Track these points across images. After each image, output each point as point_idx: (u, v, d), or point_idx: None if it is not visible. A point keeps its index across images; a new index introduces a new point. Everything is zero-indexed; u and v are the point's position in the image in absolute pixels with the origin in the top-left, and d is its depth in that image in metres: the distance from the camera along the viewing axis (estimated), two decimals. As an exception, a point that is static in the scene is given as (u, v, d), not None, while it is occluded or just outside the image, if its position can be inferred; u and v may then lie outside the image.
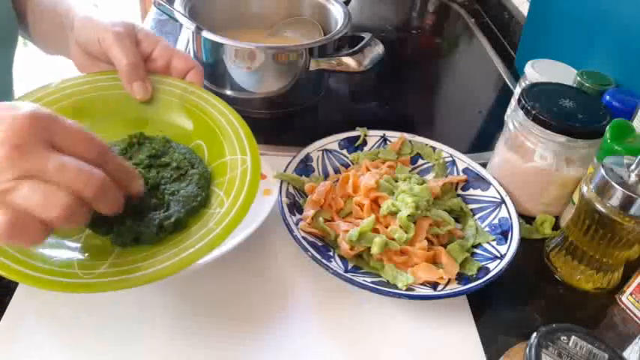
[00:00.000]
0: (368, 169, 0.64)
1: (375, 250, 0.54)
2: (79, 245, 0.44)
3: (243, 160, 0.49)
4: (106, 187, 0.37)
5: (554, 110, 0.60)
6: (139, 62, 0.51)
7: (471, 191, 0.65)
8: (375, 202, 0.59)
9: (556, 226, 0.64)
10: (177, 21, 0.75)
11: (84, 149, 0.36)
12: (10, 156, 0.33)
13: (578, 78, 0.70)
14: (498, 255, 0.56)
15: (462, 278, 0.54)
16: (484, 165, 0.68)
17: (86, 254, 0.43)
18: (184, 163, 0.50)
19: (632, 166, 0.51)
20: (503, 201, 0.62)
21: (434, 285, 0.53)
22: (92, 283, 0.40)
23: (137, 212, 0.45)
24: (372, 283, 0.51)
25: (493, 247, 0.57)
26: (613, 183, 0.50)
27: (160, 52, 0.53)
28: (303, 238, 0.55)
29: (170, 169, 0.50)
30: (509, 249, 0.56)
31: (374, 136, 0.69)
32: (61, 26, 0.58)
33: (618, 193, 0.50)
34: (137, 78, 0.51)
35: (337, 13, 0.83)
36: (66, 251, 0.43)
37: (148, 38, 0.53)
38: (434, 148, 0.68)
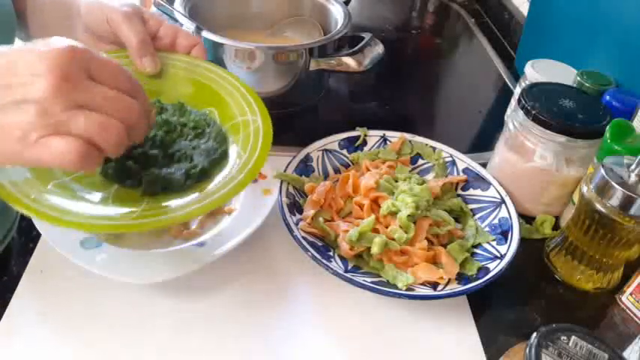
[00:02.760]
0: (368, 169, 0.64)
1: (375, 250, 0.54)
2: (109, 198, 0.46)
3: (254, 120, 0.52)
4: (142, 116, 0.39)
5: (554, 110, 0.60)
6: (147, 39, 0.54)
7: (471, 191, 0.65)
8: (375, 202, 0.59)
9: (556, 226, 0.64)
10: (177, 21, 0.75)
11: (120, 81, 0.38)
12: (59, 87, 0.34)
13: (578, 78, 0.70)
14: (498, 255, 0.56)
15: (462, 278, 0.54)
16: (484, 165, 0.68)
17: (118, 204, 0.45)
18: (201, 123, 0.53)
19: (632, 166, 0.51)
20: (503, 201, 0.62)
21: (434, 285, 0.53)
22: (131, 224, 0.42)
23: (164, 164, 0.48)
24: (372, 283, 0.51)
25: (493, 247, 0.57)
26: (613, 183, 0.50)
27: (166, 30, 0.55)
28: (303, 238, 0.55)
29: (188, 129, 0.52)
30: (509, 249, 0.56)
31: (374, 136, 0.69)
32: (64, 16, 0.59)
33: (618, 193, 0.50)
34: (147, 53, 0.53)
35: (337, 13, 0.83)
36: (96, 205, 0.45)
37: (154, 18, 0.55)
38: (434, 148, 0.68)
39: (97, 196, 0.45)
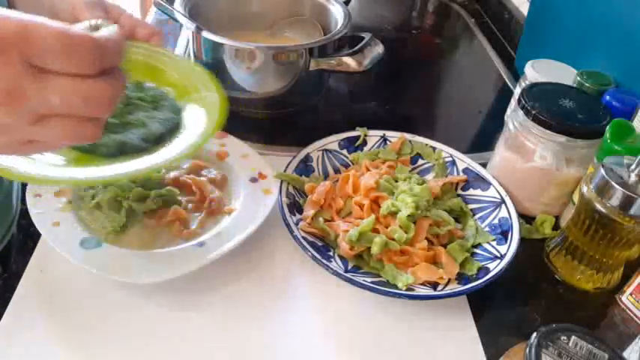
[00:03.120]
0: (368, 169, 0.64)
1: (375, 250, 0.54)
2: (70, 162, 0.46)
3: (210, 95, 0.52)
4: (114, 100, 0.33)
5: (554, 110, 0.60)
6: None
7: (471, 191, 0.65)
8: (375, 202, 0.59)
9: (556, 226, 0.64)
10: (177, 21, 0.75)
11: (75, 60, 0.30)
12: (3, 104, 0.29)
13: (578, 78, 0.70)
14: (498, 255, 0.56)
15: (462, 278, 0.54)
16: (484, 165, 0.68)
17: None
18: (158, 98, 0.53)
19: (632, 166, 0.51)
20: (503, 201, 0.62)
21: (434, 285, 0.53)
22: (88, 179, 0.44)
23: (121, 132, 0.48)
24: (372, 283, 0.51)
25: (493, 247, 0.57)
26: (613, 183, 0.50)
27: (125, 20, 0.55)
28: (303, 238, 0.55)
29: (145, 102, 0.53)
30: (509, 249, 0.56)
31: (374, 136, 0.69)
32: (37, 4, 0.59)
33: (618, 193, 0.50)
34: None
35: (337, 13, 0.83)
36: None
37: (115, 8, 0.55)
38: (434, 148, 0.68)
39: (59, 159, 0.45)
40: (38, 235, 0.55)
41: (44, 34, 0.29)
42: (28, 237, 0.56)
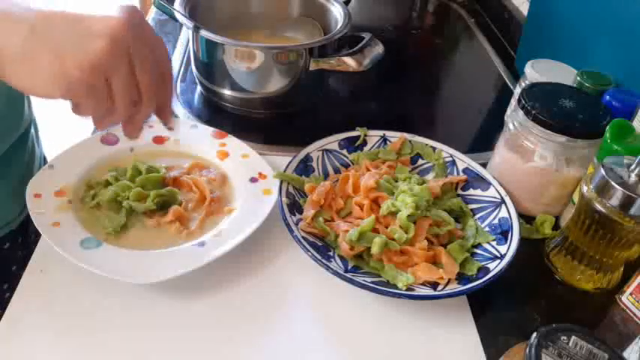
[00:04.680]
0: (368, 169, 0.64)
1: (375, 250, 0.54)
2: None
3: None
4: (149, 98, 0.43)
5: (554, 110, 0.60)
6: None
7: (471, 191, 0.65)
8: (375, 202, 0.59)
9: (556, 226, 0.64)
10: (177, 21, 0.75)
11: (147, 83, 0.41)
12: (109, 54, 0.38)
13: (578, 78, 0.70)
14: (498, 255, 0.56)
15: (462, 278, 0.54)
16: (484, 165, 0.68)
17: None
18: None
19: (632, 166, 0.51)
20: (503, 201, 0.62)
21: (434, 285, 0.53)
22: None
23: None
24: (372, 283, 0.51)
25: (493, 247, 0.57)
26: (613, 183, 0.50)
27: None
28: (303, 238, 0.55)
29: None
30: (509, 249, 0.56)
31: (374, 136, 0.69)
32: None
33: (618, 193, 0.50)
34: None
35: (337, 13, 0.83)
36: None
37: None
38: (434, 148, 0.68)
39: None
40: (39, 236, 0.54)
41: (145, 42, 0.41)
42: (28, 239, 0.56)
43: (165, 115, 0.47)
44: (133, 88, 0.41)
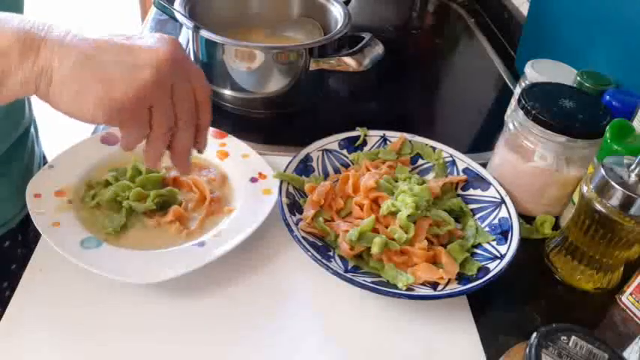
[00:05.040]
0: (368, 169, 0.64)
1: (375, 250, 0.54)
2: None
3: None
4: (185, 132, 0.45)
5: (554, 110, 0.60)
6: None
7: (471, 191, 0.65)
8: (375, 202, 0.59)
9: (556, 226, 0.64)
10: (177, 21, 0.75)
11: (185, 110, 0.44)
12: (154, 84, 0.40)
13: (578, 78, 0.70)
14: (498, 255, 0.56)
15: (462, 278, 0.54)
16: (484, 165, 0.68)
17: None
18: None
19: (632, 166, 0.51)
20: (503, 201, 0.62)
21: (434, 285, 0.53)
22: None
23: None
24: (372, 283, 0.51)
25: (493, 247, 0.57)
26: (613, 183, 0.50)
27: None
28: (303, 238, 0.55)
29: None
30: (509, 249, 0.56)
31: (374, 136, 0.69)
32: None
33: (618, 193, 0.50)
34: None
35: (337, 13, 0.83)
36: None
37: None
38: (434, 148, 0.68)
39: None
40: (39, 236, 0.54)
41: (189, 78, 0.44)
42: (28, 238, 0.56)
43: (201, 140, 0.48)
44: (172, 117, 0.43)
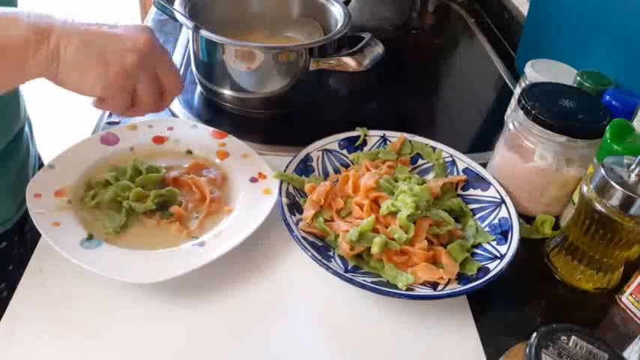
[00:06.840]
0: (368, 169, 0.64)
1: (375, 250, 0.54)
2: None
3: None
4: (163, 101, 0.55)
5: (554, 110, 0.60)
6: None
7: (471, 191, 0.65)
8: (375, 202, 0.59)
9: (556, 226, 0.64)
10: (177, 21, 0.75)
11: (171, 73, 0.54)
12: (138, 64, 0.49)
13: (578, 78, 0.70)
14: (498, 255, 0.56)
15: (462, 278, 0.54)
16: (484, 165, 0.68)
17: None
18: None
19: (632, 166, 0.51)
20: (503, 201, 0.62)
21: (434, 285, 0.53)
22: None
23: None
24: (372, 283, 0.51)
25: (493, 247, 0.57)
26: (613, 183, 0.50)
27: None
28: (303, 238, 0.55)
29: None
30: (509, 249, 0.56)
31: (374, 136, 0.69)
32: None
33: (618, 193, 0.50)
34: None
35: (337, 13, 0.83)
36: None
37: None
38: (434, 148, 0.68)
39: None
40: (39, 236, 0.54)
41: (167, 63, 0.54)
42: (28, 238, 0.56)
43: (168, 100, 0.56)
44: (156, 89, 0.53)
